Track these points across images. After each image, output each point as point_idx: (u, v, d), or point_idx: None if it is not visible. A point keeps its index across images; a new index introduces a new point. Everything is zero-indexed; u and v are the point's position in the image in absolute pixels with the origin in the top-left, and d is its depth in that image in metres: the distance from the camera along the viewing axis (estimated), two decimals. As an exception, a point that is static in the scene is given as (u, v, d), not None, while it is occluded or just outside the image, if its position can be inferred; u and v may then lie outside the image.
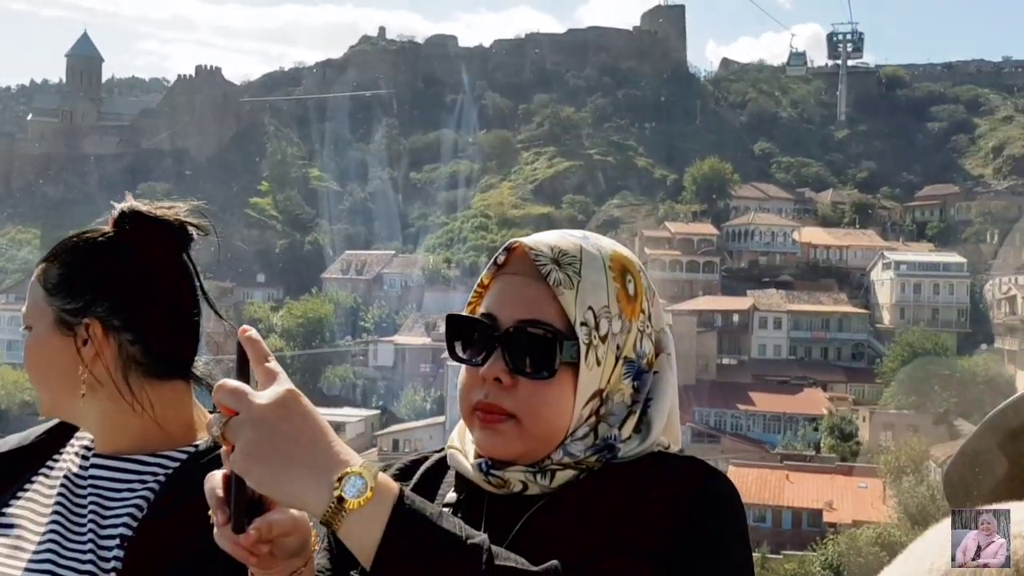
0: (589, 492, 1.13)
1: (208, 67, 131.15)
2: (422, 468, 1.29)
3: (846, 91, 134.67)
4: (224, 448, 0.95)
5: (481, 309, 1.20)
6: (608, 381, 1.18)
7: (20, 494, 1.47)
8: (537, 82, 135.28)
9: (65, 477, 1.46)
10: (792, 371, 69.89)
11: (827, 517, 40.80)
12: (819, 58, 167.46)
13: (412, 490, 1.14)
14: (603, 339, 1.16)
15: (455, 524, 0.95)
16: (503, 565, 0.94)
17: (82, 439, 1.51)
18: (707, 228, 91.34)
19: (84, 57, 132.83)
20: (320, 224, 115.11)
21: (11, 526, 1.43)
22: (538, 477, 1.14)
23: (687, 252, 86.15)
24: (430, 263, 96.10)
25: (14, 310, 66.21)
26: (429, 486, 1.26)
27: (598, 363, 1.16)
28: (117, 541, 1.35)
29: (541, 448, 1.15)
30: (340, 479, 0.92)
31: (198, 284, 1.49)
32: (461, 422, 1.24)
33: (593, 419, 1.17)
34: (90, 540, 1.37)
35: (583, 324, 1.15)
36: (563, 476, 1.14)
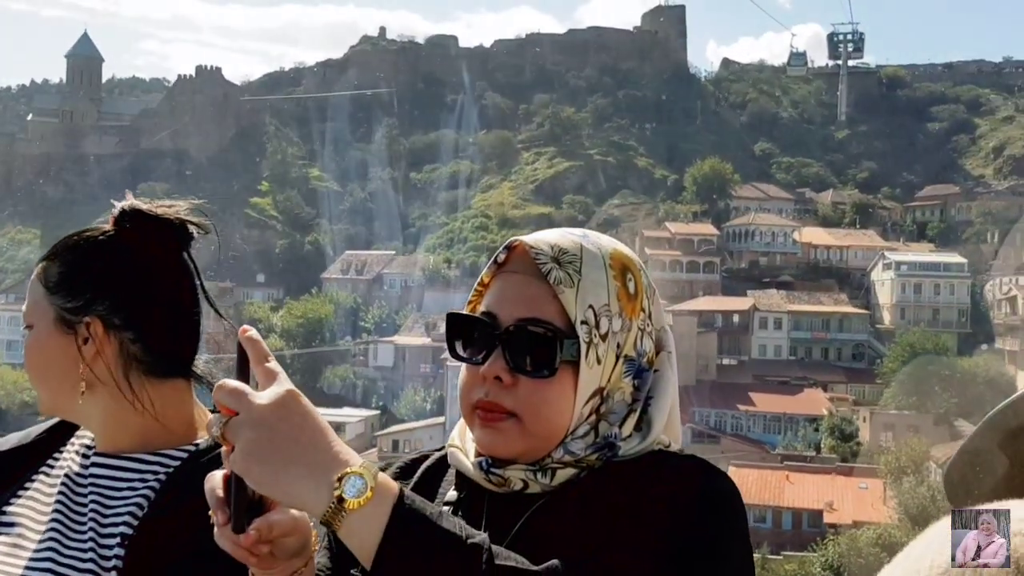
0: (590, 490, 1.13)
1: (208, 67, 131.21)
2: (423, 466, 1.29)
3: (847, 91, 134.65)
4: (224, 448, 0.95)
5: (481, 308, 1.20)
6: (609, 379, 1.18)
7: (21, 493, 1.47)
8: (537, 82, 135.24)
9: (66, 476, 1.46)
10: (792, 371, 69.86)
11: (827, 518, 40.75)
12: (820, 58, 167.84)
13: (413, 488, 1.17)
14: (603, 337, 1.16)
15: (455, 524, 0.95)
16: (503, 565, 0.94)
17: (82, 438, 1.51)
18: (707, 228, 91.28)
19: (84, 57, 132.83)
20: (320, 224, 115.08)
21: (11, 524, 1.43)
22: (539, 475, 1.14)
23: (687, 252, 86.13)
24: (430, 263, 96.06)
25: (14, 310, 66.20)
26: (430, 484, 1.26)
27: (598, 361, 1.16)
28: (118, 540, 1.35)
29: (542, 447, 1.15)
30: (340, 479, 0.92)
31: (198, 283, 1.49)
32: (462, 421, 1.24)
33: (594, 417, 1.17)
34: (91, 539, 1.36)
35: (583, 322, 1.15)
36: (564, 474, 1.15)
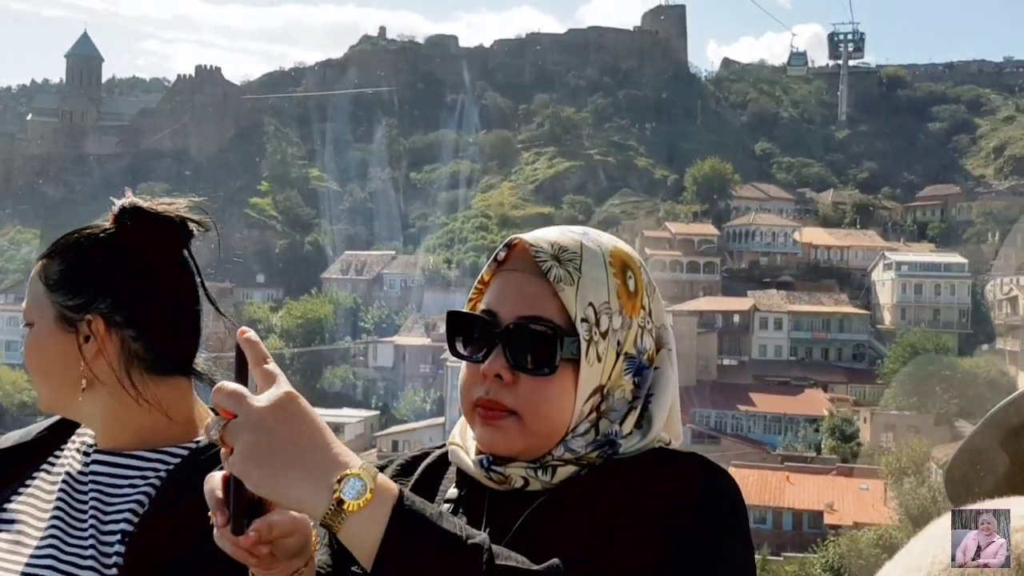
0: (590, 488, 1.13)
1: (208, 67, 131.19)
2: (423, 464, 1.29)
3: (847, 91, 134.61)
4: (223, 451, 0.95)
5: (482, 306, 1.20)
6: (609, 377, 1.18)
7: (21, 490, 1.47)
8: (537, 82, 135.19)
9: (67, 473, 1.45)
10: (793, 372, 69.83)
11: (828, 519, 40.69)
12: (820, 58, 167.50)
13: (413, 486, 1.18)
14: (604, 335, 1.16)
15: (455, 524, 0.95)
16: (504, 565, 0.94)
17: (83, 435, 1.51)
18: (708, 228, 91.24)
19: (84, 57, 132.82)
20: (320, 224, 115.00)
21: (12, 522, 1.43)
22: (539, 473, 1.14)
23: (688, 252, 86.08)
24: (430, 263, 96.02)
25: (13, 310, 66.18)
26: (430, 482, 1.25)
27: (599, 359, 1.16)
28: (118, 537, 1.34)
29: (542, 444, 1.15)
30: (339, 481, 0.92)
31: (199, 280, 1.48)
32: (463, 419, 1.24)
33: (594, 415, 1.17)
34: (91, 536, 1.36)
35: (584, 320, 1.15)
36: (564, 472, 1.15)
